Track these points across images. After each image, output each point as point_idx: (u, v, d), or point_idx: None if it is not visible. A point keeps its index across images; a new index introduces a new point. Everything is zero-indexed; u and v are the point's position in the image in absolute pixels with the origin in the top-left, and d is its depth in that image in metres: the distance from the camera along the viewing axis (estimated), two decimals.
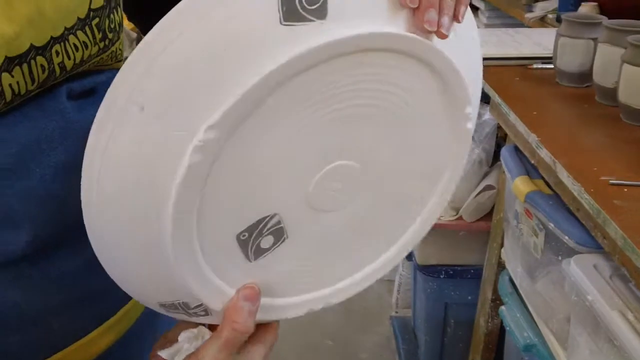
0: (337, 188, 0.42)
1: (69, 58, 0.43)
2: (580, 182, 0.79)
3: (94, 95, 0.47)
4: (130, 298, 0.53)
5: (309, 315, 0.48)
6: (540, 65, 1.21)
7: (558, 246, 0.93)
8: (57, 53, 0.42)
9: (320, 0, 0.33)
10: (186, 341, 0.42)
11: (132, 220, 0.37)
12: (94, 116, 0.44)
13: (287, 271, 0.44)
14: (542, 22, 1.64)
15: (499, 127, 1.43)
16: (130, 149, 0.35)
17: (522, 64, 1.22)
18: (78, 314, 0.48)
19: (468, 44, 0.44)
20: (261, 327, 0.45)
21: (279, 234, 0.42)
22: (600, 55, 1.01)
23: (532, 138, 0.93)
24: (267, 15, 0.32)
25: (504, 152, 1.14)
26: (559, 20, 1.44)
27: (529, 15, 1.67)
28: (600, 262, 0.84)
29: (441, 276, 1.50)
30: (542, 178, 1.00)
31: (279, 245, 0.42)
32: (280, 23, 0.32)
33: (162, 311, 0.45)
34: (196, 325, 0.44)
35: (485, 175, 1.45)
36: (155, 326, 0.57)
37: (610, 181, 0.79)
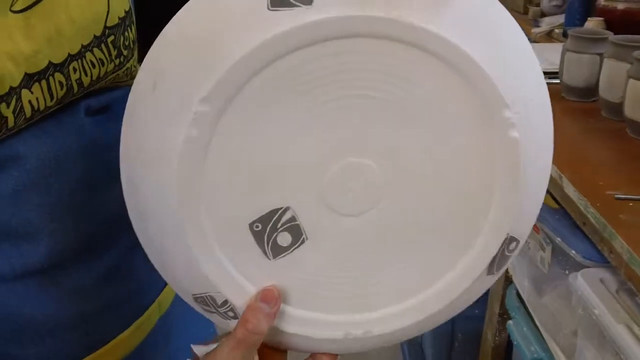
0: (354, 188, 0.40)
1: (86, 75, 0.44)
2: (586, 197, 0.80)
3: (110, 111, 0.48)
4: (143, 310, 0.54)
5: None
6: (546, 80, 1.22)
7: (565, 260, 0.93)
8: (75, 70, 0.43)
9: None
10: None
11: (158, 200, 0.40)
12: (110, 132, 0.46)
13: (315, 281, 0.42)
14: (548, 37, 1.65)
15: None
16: (148, 126, 0.38)
17: None
18: (93, 326, 0.49)
19: (495, 35, 0.40)
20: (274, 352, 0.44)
21: (297, 233, 0.41)
22: (606, 70, 1.02)
23: None
24: (256, 2, 0.35)
25: None
26: (565, 35, 1.45)
27: (535, 30, 1.68)
28: (607, 276, 0.85)
29: None
30: (549, 192, 1.01)
31: (298, 247, 0.41)
32: (268, 8, 0.35)
33: (198, 308, 0.45)
34: None
35: None
36: (168, 339, 0.57)
37: (616, 195, 0.79)
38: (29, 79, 0.40)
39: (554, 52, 1.30)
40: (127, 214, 0.49)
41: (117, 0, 0.46)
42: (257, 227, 0.41)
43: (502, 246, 0.42)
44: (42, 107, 0.41)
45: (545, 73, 1.33)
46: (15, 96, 0.39)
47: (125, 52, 0.47)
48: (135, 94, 0.39)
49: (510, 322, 1.18)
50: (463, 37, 0.37)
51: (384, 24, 0.35)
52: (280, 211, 0.41)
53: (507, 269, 1.26)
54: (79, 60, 0.43)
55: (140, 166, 0.40)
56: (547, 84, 1.19)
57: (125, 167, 0.41)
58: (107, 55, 0.45)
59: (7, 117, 0.39)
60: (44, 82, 0.41)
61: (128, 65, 0.48)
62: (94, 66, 0.44)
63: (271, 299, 0.41)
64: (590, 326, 0.83)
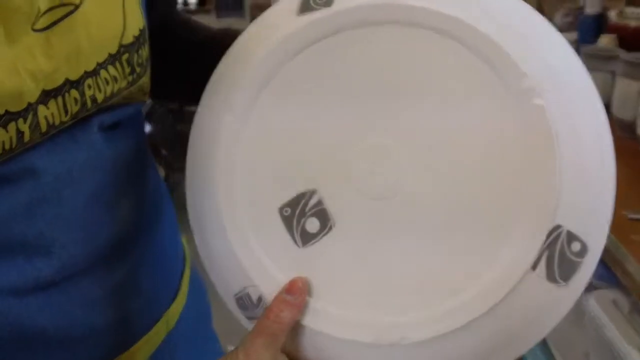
0: (379, 170, 0.41)
1: (100, 91, 0.44)
2: None
3: (121, 127, 0.48)
4: (152, 325, 0.54)
5: None
6: None
7: None
8: (90, 87, 0.44)
9: (327, 1, 0.42)
10: None
11: (202, 192, 0.44)
12: (122, 148, 0.47)
13: (343, 273, 0.41)
14: None
15: None
16: (199, 124, 0.46)
17: None
18: (102, 340, 0.49)
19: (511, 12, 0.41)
20: None
21: (325, 219, 0.42)
22: (619, 89, 1.02)
23: None
24: (290, 11, 0.43)
25: None
26: (578, 52, 1.45)
27: None
28: (619, 298, 0.84)
29: None
30: None
31: (326, 233, 0.41)
32: (297, 15, 0.42)
33: (241, 318, 0.45)
34: None
35: None
36: (173, 355, 0.57)
37: (629, 216, 0.78)
38: (46, 95, 0.40)
39: None
40: (137, 230, 0.49)
41: (132, 19, 0.47)
42: (286, 211, 0.42)
43: (551, 240, 0.38)
44: (57, 123, 0.42)
45: None
46: (32, 112, 0.40)
47: (138, 70, 0.48)
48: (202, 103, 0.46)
49: None
50: (473, 16, 0.39)
51: (391, 10, 0.40)
52: (307, 194, 0.42)
53: None
54: (94, 77, 0.44)
55: (193, 164, 0.45)
56: None
57: (188, 174, 0.46)
58: (120, 73, 0.46)
59: (23, 132, 0.39)
60: (59, 99, 0.41)
61: (141, 82, 0.49)
62: (107, 83, 0.45)
63: (296, 290, 0.41)
64: (602, 348, 0.82)
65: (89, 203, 0.46)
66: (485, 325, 0.38)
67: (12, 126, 0.39)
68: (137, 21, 0.48)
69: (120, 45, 0.46)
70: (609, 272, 0.83)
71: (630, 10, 1.47)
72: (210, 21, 3.38)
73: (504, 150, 0.39)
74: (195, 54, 0.56)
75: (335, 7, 0.41)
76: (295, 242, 0.42)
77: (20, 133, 0.39)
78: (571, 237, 0.38)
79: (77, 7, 0.42)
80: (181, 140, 0.92)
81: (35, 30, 0.40)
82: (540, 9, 1.85)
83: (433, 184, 0.40)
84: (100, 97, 0.44)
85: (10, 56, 0.38)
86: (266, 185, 0.43)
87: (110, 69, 0.45)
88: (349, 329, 0.41)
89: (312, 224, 0.41)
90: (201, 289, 0.64)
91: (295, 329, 0.41)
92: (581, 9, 1.57)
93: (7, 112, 0.38)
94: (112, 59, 0.45)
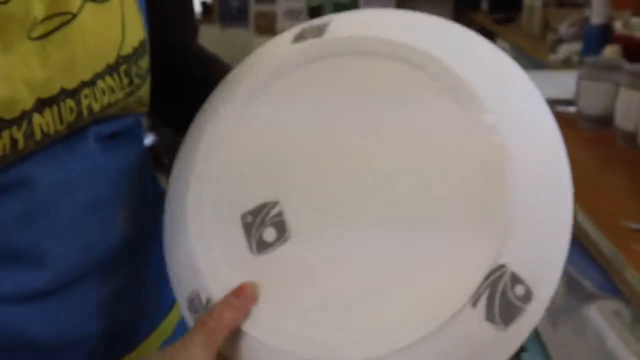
0: (339, 190, 0.42)
1: (97, 101, 0.45)
2: (599, 227, 0.79)
3: (119, 138, 0.49)
4: (148, 334, 0.54)
5: None
6: (562, 108, 1.21)
7: (579, 292, 0.92)
8: (86, 96, 0.44)
9: (319, 30, 0.46)
10: None
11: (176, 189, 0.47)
12: (118, 159, 0.48)
13: (290, 286, 0.42)
14: (566, 63, 1.64)
15: None
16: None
17: None
18: (98, 348, 0.49)
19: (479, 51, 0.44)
20: None
21: (282, 229, 0.43)
22: (622, 99, 1.02)
23: None
24: (285, 42, 0.47)
25: None
26: (581, 63, 1.45)
27: (553, 56, 1.68)
28: (621, 308, 0.84)
29: None
30: None
31: (281, 244, 0.42)
32: (291, 44, 0.46)
33: (187, 315, 0.45)
34: None
35: None
36: None
37: (630, 226, 0.78)
38: (41, 104, 0.41)
39: (570, 79, 1.30)
40: (134, 241, 0.50)
41: (132, 31, 0.47)
42: (248, 219, 0.43)
43: (494, 278, 0.37)
44: (52, 131, 0.42)
45: (561, 101, 1.32)
46: (26, 120, 0.40)
47: (137, 81, 0.48)
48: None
49: (524, 354, 1.16)
50: (440, 49, 0.42)
51: (371, 43, 0.43)
52: (270, 205, 0.43)
53: None
54: (91, 88, 0.44)
55: (174, 168, 0.48)
56: (563, 112, 1.17)
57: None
58: (118, 84, 0.46)
59: (17, 140, 0.40)
60: (55, 108, 0.42)
61: (139, 93, 0.49)
62: (104, 93, 0.45)
63: (243, 294, 0.41)
64: (603, 358, 0.82)
65: (84, 214, 0.46)
66: (419, 352, 0.38)
67: (5, 133, 0.39)
68: (136, 33, 0.48)
69: (119, 56, 0.46)
70: (610, 282, 0.83)
71: (636, 20, 1.48)
72: (214, 31, 3.40)
73: (460, 181, 0.39)
74: (194, 87, 0.55)
75: (325, 37, 0.45)
76: (251, 249, 0.43)
77: (14, 141, 0.39)
78: (515, 279, 0.38)
79: (74, 16, 0.42)
80: None
81: (31, 39, 0.40)
82: (546, 20, 1.86)
83: (388, 205, 0.41)
84: (96, 107, 0.45)
85: (4, 64, 0.38)
86: (234, 191, 0.45)
87: (108, 79, 0.45)
88: (287, 341, 0.41)
89: (269, 234, 0.43)
90: None
91: (236, 333, 0.42)
92: (587, 19, 1.57)
93: (0, 119, 0.38)
94: (110, 69, 0.45)
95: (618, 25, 1.51)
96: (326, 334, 0.40)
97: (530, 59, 1.97)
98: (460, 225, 0.39)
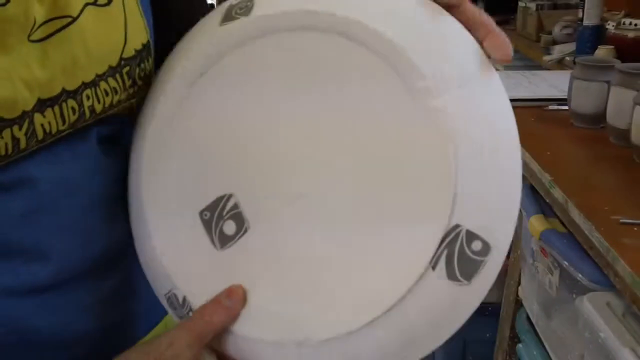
0: (288, 173, 0.42)
1: (99, 102, 0.45)
2: (591, 221, 0.81)
3: (121, 139, 0.49)
4: (149, 330, 0.55)
5: None
6: (555, 107, 1.24)
7: (572, 284, 0.95)
8: (88, 97, 0.44)
9: (246, 10, 0.43)
10: None
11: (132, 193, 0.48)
12: (120, 160, 0.48)
13: (259, 275, 0.42)
14: (560, 64, 1.67)
15: None
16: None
17: (538, 105, 1.25)
18: (99, 343, 0.49)
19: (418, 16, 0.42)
20: None
21: (240, 221, 0.43)
22: (614, 98, 1.04)
23: (546, 178, 0.95)
24: (213, 23, 0.45)
25: None
26: (574, 62, 1.47)
27: (547, 57, 1.70)
28: (613, 300, 0.86)
29: None
30: (557, 217, 1.02)
31: (242, 235, 0.43)
32: (219, 25, 0.44)
33: (173, 315, 0.46)
34: None
35: None
36: None
37: (621, 220, 0.81)
38: (42, 104, 0.41)
39: (563, 79, 1.32)
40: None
41: (135, 33, 0.48)
42: (206, 215, 0.44)
43: (450, 239, 0.39)
44: (54, 131, 0.43)
45: (554, 100, 1.34)
46: (27, 119, 0.40)
47: (139, 83, 0.49)
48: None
49: (519, 345, 1.19)
50: (377, 20, 0.40)
51: (300, 17, 0.41)
52: (225, 198, 0.43)
53: (518, 292, 1.27)
54: (93, 89, 0.45)
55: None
56: (556, 111, 1.20)
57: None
58: (120, 85, 0.47)
59: (19, 139, 0.40)
60: (56, 108, 0.42)
61: (143, 95, 0.49)
62: (107, 94, 0.46)
63: (232, 296, 0.42)
64: (596, 350, 0.84)
65: (86, 212, 0.46)
66: (388, 323, 0.39)
67: (7, 133, 0.39)
68: (140, 35, 0.49)
69: (121, 58, 0.47)
70: (602, 275, 0.85)
71: (629, 21, 1.50)
72: None
73: (404, 150, 0.39)
74: None
75: (253, 15, 0.42)
76: (214, 244, 0.43)
77: (15, 140, 0.40)
78: (471, 236, 0.39)
79: (74, 19, 0.43)
80: None
81: (31, 41, 0.40)
82: (540, 22, 1.88)
83: (339, 183, 0.41)
84: (99, 107, 0.45)
85: (4, 65, 0.39)
86: (188, 189, 0.44)
87: (111, 80, 0.46)
88: (256, 327, 0.42)
89: (229, 227, 0.43)
90: None
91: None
92: (580, 20, 1.60)
93: (1, 118, 0.39)
94: (113, 71, 0.46)
95: (610, 27, 1.54)
96: (296, 315, 0.41)
97: (525, 59, 2.00)
98: (410, 196, 0.39)
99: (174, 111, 0.44)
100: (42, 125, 0.42)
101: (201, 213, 0.44)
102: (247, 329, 0.42)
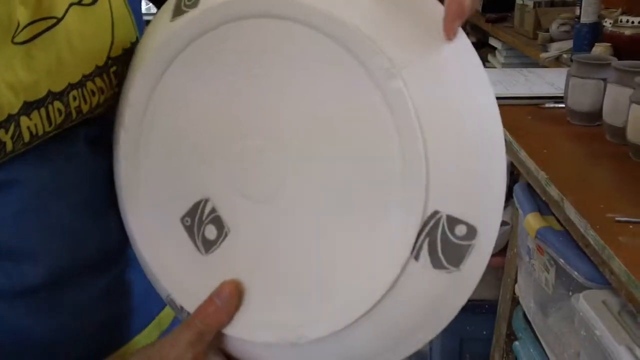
0: (258, 171, 0.41)
1: (85, 102, 0.45)
2: (586, 219, 0.81)
3: (108, 139, 0.49)
4: (142, 327, 0.55)
5: None
6: (552, 105, 1.24)
7: (568, 282, 0.95)
8: (75, 98, 0.44)
9: (194, 2, 0.42)
10: None
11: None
12: (108, 160, 0.48)
13: (245, 277, 0.42)
14: (557, 62, 1.67)
15: (513, 164, 1.46)
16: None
17: (535, 103, 1.25)
18: (92, 342, 0.50)
19: None
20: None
21: (220, 225, 0.43)
22: (610, 95, 1.04)
23: (541, 175, 0.95)
24: (164, 19, 0.44)
25: (517, 189, 1.17)
26: (571, 60, 1.47)
27: (544, 55, 1.70)
28: (609, 298, 0.86)
29: None
30: (553, 215, 1.02)
31: (224, 239, 0.43)
32: (170, 21, 0.43)
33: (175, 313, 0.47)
34: None
35: None
36: None
37: (616, 218, 0.80)
38: (28, 107, 0.41)
39: (560, 77, 1.32)
40: (125, 239, 0.51)
41: (122, 32, 0.48)
42: (187, 221, 0.44)
43: (430, 227, 0.37)
44: (40, 133, 0.42)
45: (550, 98, 1.34)
46: (13, 122, 0.40)
47: None
48: None
49: (516, 343, 1.19)
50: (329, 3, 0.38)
51: (249, 4, 0.39)
52: (202, 203, 0.43)
53: (514, 290, 1.27)
54: (79, 89, 0.44)
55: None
56: (553, 108, 1.20)
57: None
58: (107, 84, 0.47)
59: (5, 142, 0.40)
60: (42, 110, 0.42)
61: None
62: (93, 94, 0.46)
63: (222, 294, 0.42)
64: (592, 347, 0.84)
65: (75, 213, 0.46)
66: (378, 317, 0.39)
67: None
68: (127, 34, 0.48)
69: (109, 58, 0.46)
70: (598, 272, 0.85)
71: (625, 18, 1.50)
72: None
73: (370, 136, 0.38)
74: None
75: (201, 6, 0.41)
76: (199, 250, 0.43)
77: (2, 143, 0.40)
78: (453, 221, 0.37)
79: (59, 20, 0.42)
80: None
81: (15, 43, 0.40)
82: (537, 19, 1.88)
83: (311, 179, 0.40)
84: (85, 108, 0.45)
85: None
86: (166, 196, 0.44)
87: (97, 80, 0.46)
88: (251, 330, 0.41)
89: (210, 232, 0.43)
90: None
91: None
92: (577, 18, 1.60)
93: None
94: (100, 70, 0.46)
95: (608, 24, 1.53)
96: (287, 316, 0.41)
97: (523, 56, 2.00)
98: (382, 186, 0.38)
99: (140, 118, 0.44)
100: (28, 127, 0.41)
101: (182, 219, 0.44)
102: (241, 331, 0.42)
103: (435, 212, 0.37)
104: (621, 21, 1.49)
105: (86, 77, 0.45)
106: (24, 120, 0.41)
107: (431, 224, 0.37)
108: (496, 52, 2.22)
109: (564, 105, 1.17)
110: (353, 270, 0.39)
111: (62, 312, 0.47)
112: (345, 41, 0.37)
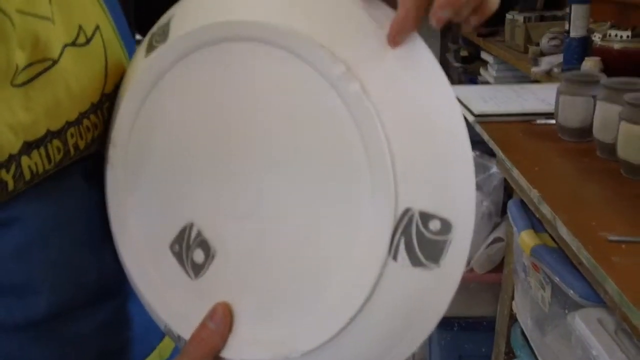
0: (237, 189, 0.42)
1: (82, 139, 0.46)
2: (579, 238, 0.81)
3: (102, 173, 0.49)
4: (142, 358, 0.55)
5: None
6: (543, 121, 1.24)
7: (564, 300, 0.95)
8: (72, 135, 0.45)
9: (164, 32, 0.44)
10: None
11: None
12: (103, 192, 0.48)
13: (234, 298, 0.42)
14: (548, 76, 1.68)
15: (506, 180, 1.46)
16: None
17: (526, 119, 1.26)
18: None
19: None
20: None
21: (206, 248, 0.43)
22: (600, 112, 1.05)
23: (534, 194, 0.95)
24: (140, 57, 0.46)
25: (511, 205, 1.17)
26: (562, 73, 1.48)
27: (535, 69, 1.71)
28: (605, 317, 0.86)
29: (454, 328, 1.51)
30: (547, 231, 1.02)
31: (211, 262, 0.43)
32: (144, 57, 0.45)
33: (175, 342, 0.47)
34: None
35: (495, 227, 1.47)
36: None
37: (609, 237, 0.81)
38: (28, 147, 0.42)
39: (551, 92, 1.33)
40: (124, 270, 0.52)
41: (115, 67, 0.49)
42: (175, 248, 0.44)
43: (404, 225, 0.37)
44: (40, 171, 0.43)
45: (542, 114, 1.35)
46: (14, 162, 0.41)
47: None
48: None
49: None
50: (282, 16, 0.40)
51: (213, 29, 0.41)
52: (188, 228, 0.44)
53: (512, 307, 1.27)
54: (76, 126, 0.45)
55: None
56: (545, 125, 1.21)
57: None
58: (101, 120, 0.48)
59: (7, 182, 0.41)
60: (42, 149, 0.43)
61: None
62: (89, 130, 0.47)
63: (215, 318, 0.42)
64: None
65: (76, 245, 0.47)
66: (364, 322, 0.39)
67: None
68: (119, 69, 0.49)
69: (102, 94, 0.47)
70: (593, 290, 0.85)
71: (614, 32, 1.51)
72: None
73: (339, 144, 0.38)
74: None
75: (169, 40, 0.43)
76: (189, 275, 0.44)
77: (3, 183, 0.41)
78: (426, 216, 0.37)
79: (55, 62, 0.43)
80: None
81: (14, 86, 0.41)
82: (528, 34, 1.90)
83: (285, 190, 0.40)
84: (82, 144, 0.46)
85: None
86: (154, 224, 0.45)
87: (92, 117, 0.47)
88: (242, 351, 0.42)
89: (198, 255, 0.43)
90: None
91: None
92: (567, 32, 1.61)
93: None
94: (94, 107, 0.47)
95: (597, 38, 1.54)
96: (277, 332, 0.41)
97: (514, 70, 2.01)
98: (352, 189, 0.38)
99: (124, 155, 0.45)
100: (29, 167, 0.42)
101: (171, 247, 0.45)
102: (235, 353, 0.42)
103: (407, 210, 0.37)
104: (610, 35, 1.50)
105: (82, 115, 0.46)
106: (24, 160, 0.42)
107: (405, 221, 0.37)
108: (488, 65, 2.23)
109: (554, 122, 1.18)
110: (336, 276, 0.39)
111: (62, 343, 0.47)
112: (300, 52, 0.39)
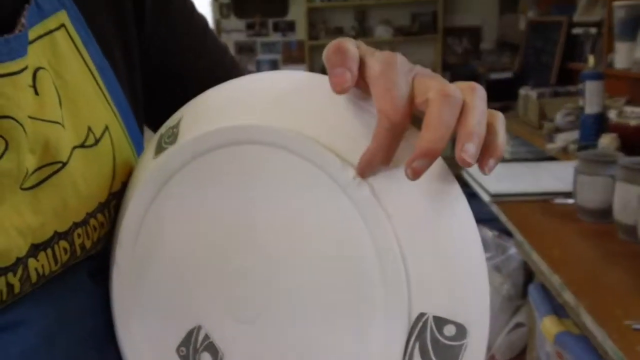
0: (247, 294, 0.41)
1: (88, 238, 0.46)
2: (603, 327, 0.78)
3: (108, 270, 0.49)
4: None
5: None
6: (562, 201, 1.22)
7: None
8: (79, 235, 0.45)
9: (173, 133, 0.44)
10: None
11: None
12: (108, 290, 0.48)
13: None
14: (564, 152, 1.67)
15: (526, 263, 1.43)
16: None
17: (543, 199, 1.24)
18: None
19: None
20: None
21: (214, 351, 0.43)
22: (619, 193, 1.03)
23: (555, 279, 0.93)
24: (148, 157, 0.46)
25: (532, 290, 1.14)
26: (580, 150, 1.47)
27: (550, 145, 1.71)
28: None
29: None
30: (570, 317, 0.99)
31: None
32: (153, 159, 0.45)
33: None
34: None
35: (516, 310, 1.43)
36: None
37: (634, 326, 0.78)
38: (35, 249, 0.42)
39: (568, 170, 1.32)
40: None
41: (122, 166, 0.49)
42: (182, 351, 0.44)
43: (419, 330, 0.37)
44: (47, 273, 0.43)
45: (558, 193, 1.33)
46: (21, 265, 0.41)
47: None
48: None
49: None
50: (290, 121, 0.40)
51: (222, 134, 0.41)
52: (195, 331, 0.43)
53: None
54: (83, 227, 0.45)
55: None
56: (562, 204, 1.18)
57: None
58: (107, 218, 0.48)
59: (13, 285, 0.41)
60: (49, 250, 0.43)
61: None
62: (95, 230, 0.46)
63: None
64: None
65: (81, 343, 0.46)
66: None
67: (1, 280, 0.40)
68: (127, 167, 0.49)
69: (110, 194, 0.47)
70: None
71: (630, 109, 1.51)
72: None
73: (351, 251, 0.38)
74: None
75: (179, 142, 0.44)
76: None
77: (10, 286, 0.40)
78: (441, 321, 0.37)
79: (64, 165, 0.43)
80: None
81: (23, 189, 0.41)
82: (541, 109, 1.90)
83: (295, 297, 0.40)
84: (88, 244, 0.46)
85: None
86: (161, 328, 0.45)
87: (99, 216, 0.47)
88: None
89: (206, 359, 0.43)
90: None
91: None
92: (582, 108, 1.61)
93: None
94: (102, 207, 0.47)
95: (612, 114, 1.54)
96: None
97: (528, 145, 2.00)
98: (365, 296, 0.38)
99: (130, 255, 0.45)
100: (35, 269, 0.42)
101: (177, 350, 0.44)
102: None
103: (421, 315, 0.37)
104: (626, 112, 1.50)
105: (89, 215, 0.46)
106: (31, 262, 0.41)
107: (419, 327, 0.37)
108: None
109: (572, 201, 1.16)
110: None
111: None
112: (310, 156, 0.39)
